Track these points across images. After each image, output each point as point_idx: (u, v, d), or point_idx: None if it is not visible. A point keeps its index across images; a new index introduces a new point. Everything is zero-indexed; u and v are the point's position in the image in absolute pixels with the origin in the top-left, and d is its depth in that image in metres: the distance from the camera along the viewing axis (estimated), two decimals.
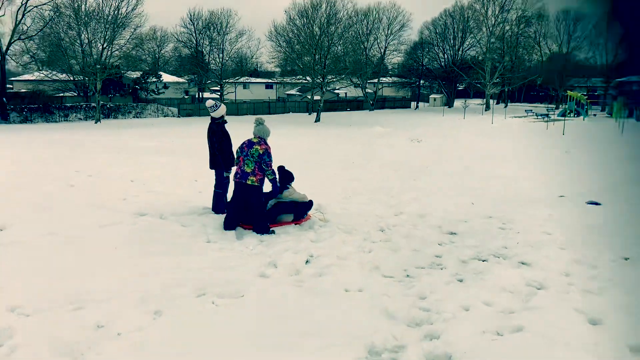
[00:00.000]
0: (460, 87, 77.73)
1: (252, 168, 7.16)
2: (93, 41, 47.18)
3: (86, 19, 46.68)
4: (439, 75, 70.04)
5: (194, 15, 57.13)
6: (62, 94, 55.48)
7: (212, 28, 55.68)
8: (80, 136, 31.77)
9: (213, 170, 8.39)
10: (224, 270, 5.74)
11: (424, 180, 13.29)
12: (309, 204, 7.98)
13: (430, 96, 75.32)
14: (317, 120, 50.54)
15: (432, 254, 6.76)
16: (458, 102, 71.09)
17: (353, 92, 74.03)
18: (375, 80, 72.91)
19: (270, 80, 69.69)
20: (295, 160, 17.23)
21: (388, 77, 76.98)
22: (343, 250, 6.74)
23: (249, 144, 7.20)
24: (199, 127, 41.53)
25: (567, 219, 8.65)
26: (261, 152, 7.10)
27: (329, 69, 49.50)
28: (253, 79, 72.57)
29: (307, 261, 6.23)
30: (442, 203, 10.26)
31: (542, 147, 23.35)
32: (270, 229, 7.39)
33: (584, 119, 45.44)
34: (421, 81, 72.31)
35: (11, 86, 63.70)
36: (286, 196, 7.87)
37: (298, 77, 54.75)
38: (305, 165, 15.17)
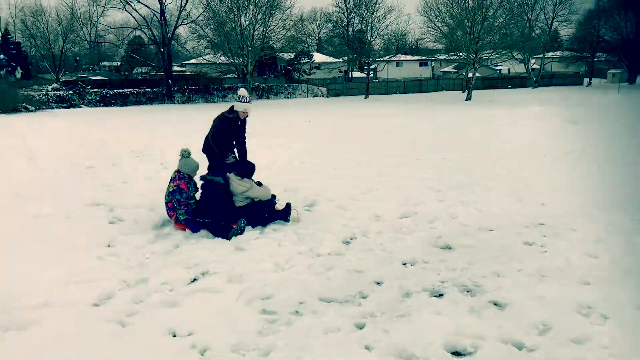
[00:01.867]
0: None
1: (167, 208, 6.44)
2: (250, 24, 48.93)
3: (245, 2, 48.62)
4: (619, 47, 60.73)
5: None
6: (223, 76, 58.93)
7: (363, 6, 54.59)
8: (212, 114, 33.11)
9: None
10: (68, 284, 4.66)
11: (518, 172, 10.99)
12: (268, 202, 6.81)
13: (609, 71, 65.98)
14: (468, 98, 47.25)
15: (376, 279, 5.07)
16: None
17: (518, 68, 68.00)
18: (548, 55, 66.10)
19: (423, 58, 66.84)
20: (400, 142, 16.58)
21: (556, 52, 69.18)
22: (255, 268, 5.25)
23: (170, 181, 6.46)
24: (336, 106, 41.38)
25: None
26: (170, 190, 6.35)
27: (483, 44, 45.65)
28: (406, 57, 70.38)
29: (194, 279, 4.90)
30: (498, 201, 8.23)
31: None
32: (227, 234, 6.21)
33: None
34: (596, 55, 63.52)
35: (184, 69, 69.63)
36: (240, 191, 6.65)
37: (450, 53, 51.46)
38: (410, 149, 13.55)
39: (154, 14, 49.92)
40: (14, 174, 10.43)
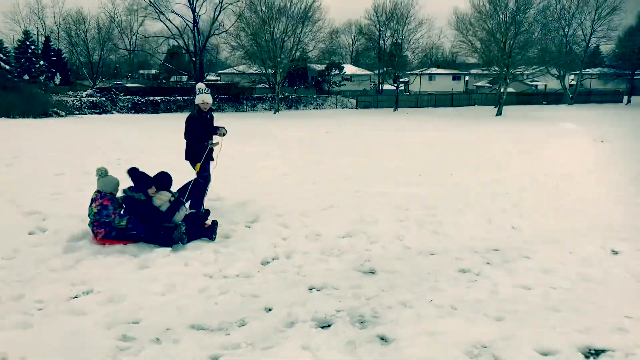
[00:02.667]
0: None
1: (92, 228, 6.25)
2: (281, 35, 49.26)
3: (277, 13, 49.05)
4: None
5: (378, 6, 56.43)
6: (255, 86, 59.40)
7: (395, 19, 54.30)
8: (244, 125, 33.40)
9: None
10: None
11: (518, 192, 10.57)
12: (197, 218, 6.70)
13: None
14: (499, 114, 46.23)
15: (269, 305, 4.78)
16: None
17: (554, 84, 66.17)
18: (585, 72, 64.18)
19: (456, 72, 65.81)
20: (409, 156, 16.34)
21: (594, 69, 67.00)
22: (143, 288, 4.94)
23: (91, 201, 6.30)
24: (361, 118, 41.09)
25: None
26: (96, 211, 6.16)
27: (515, 59, 44.61)
28: (438, 70, 69.50)
29: (75, 296, 4.71)
30: (463, 223, 7.81)
31: None
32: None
33: None
34: (637, 72, 61.11)
35: (218, 78, 70.55)
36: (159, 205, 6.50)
37: (484, 68, 50.52)
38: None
39: (187, 24, 50.84)
40: None
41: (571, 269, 6.16)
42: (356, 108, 55.86)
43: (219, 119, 28.28)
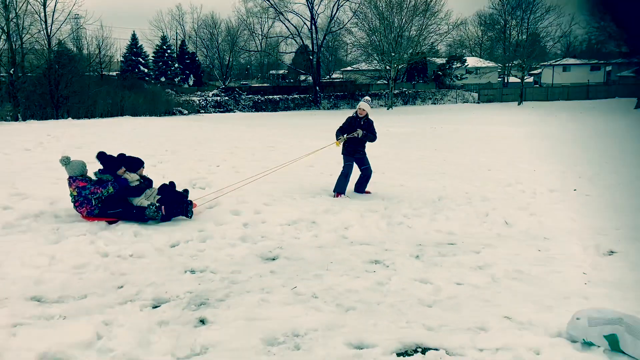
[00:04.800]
0: None
1: (75, 207, 6.75)
2: (400, 28, 48.67)
3: (393, 9, 48.59)
4: None
5: None
6: (373, 83, 59.27)
7: (523, 6, 50.92)
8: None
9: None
10: None
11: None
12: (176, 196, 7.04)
13: None
14: (638, 106, 41.31)
15: (120, 283, 4.80)
16: None
17: None
18: None
19: (595, 62, 59.80)
20: (487, 153, 15.13)
21: None
22: (27, 263, 5.19)
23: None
24: (477, 113, 39.20)
25: None
26: (75, 194, 6.59)
27: None
28: (573, 61, 63.76)
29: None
30: (449, 218, 7.37)
31: None
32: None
33: None
34: None
35: (341, 76, 71.48)
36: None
37: (616, 56, 45.47)
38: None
39: (305, 23, 52.16)
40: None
41: (511, 266, 5.44)
42: (478, 102, 53.39)
43: (334, 116, 28.91)
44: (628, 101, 48.00)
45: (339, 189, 8.67)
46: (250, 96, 51.63)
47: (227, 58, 62.91)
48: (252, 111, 50.08)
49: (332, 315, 4.19)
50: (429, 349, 3.67)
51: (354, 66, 63.53)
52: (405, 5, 48.12)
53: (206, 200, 7.66)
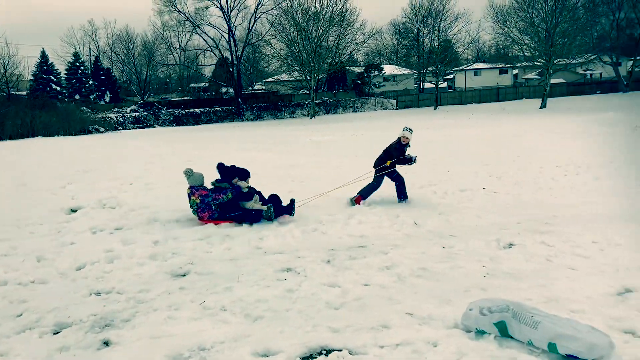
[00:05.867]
0: None
1: (197, 213, 7.46)
2: (317, 39, 49.30)
3: (313, 17, 49.13)
4: None
5: (414, 3, 55.23)
6: (296, 93, 59.67)
7: (433, 15, 53.02)
8: (269, 130, 33.71)
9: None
10: None
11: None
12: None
13: None
14: (543, 106, 44.11)
15: None
16: None
17: (611, 72, 62.35)
18: (634, 57, 60.15)
19: (502, 65, 63.26)
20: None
21: None
22: None
23: (188, 196, 7.51)
24: (395, 119, 40.33)
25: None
26: (198, 201, 7.37)
27: (557, 48, 42.36)
28: (483, 65, 67.16)
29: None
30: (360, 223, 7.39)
31: None
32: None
33: None
34: None
35: (263, 87, 71.51)
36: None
37: (530, 59, 48.25)
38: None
39: (222, 35, 51.87)
40: None
41: (417, 264, 5.64)
42: (396, 109, 54.96)
43: (257, 127, 28.90)
44: (534, 101, 51.04)
45: (364, 195, 9.21)
46: (170, 110, 50.67)
47: (145, 73, 61.44)
48: (173, 125, 49.12)
49: (240, 326, 4.20)
50: (333, 350, 3.76)
51: (275, 77, 63.85)
52: (321, 16, 48.93)
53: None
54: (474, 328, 3.89)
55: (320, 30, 49.08)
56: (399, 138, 9.45)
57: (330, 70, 52.49)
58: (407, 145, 9.57)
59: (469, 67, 62.55)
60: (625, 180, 11.34)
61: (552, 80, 51.18)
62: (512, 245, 6.47)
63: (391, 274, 5.40)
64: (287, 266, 5.69)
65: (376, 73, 59.29)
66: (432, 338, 3.84)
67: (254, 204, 7.63)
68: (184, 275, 5.55)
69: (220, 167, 7.75)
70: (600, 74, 66.02)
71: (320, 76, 52.94)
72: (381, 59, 66.11)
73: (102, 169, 14.14)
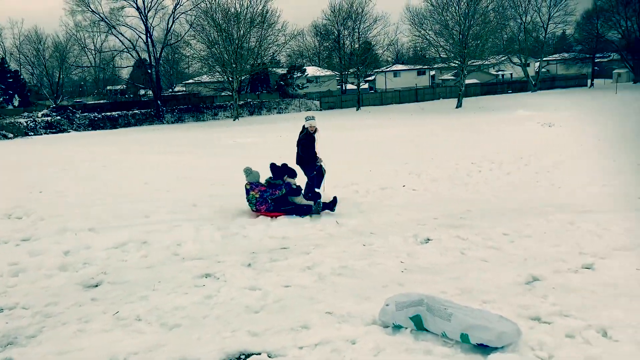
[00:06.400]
0: None
1: (255, 207, 8.22)
2: (239, 40, 48.74)
3: (234, 18, 48.48)
4: (621, 46, 58.20)
5: (334, 5, 55.91)
6: (218, 94, 58.73)
7: (353, 17, 53.81)
8: (191, 133, 32.93)
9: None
10: None
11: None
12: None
13: (614, 71, 63.24)
14: (459, 106, 45.91)
15: None
16: None
17: (521, 72, 66.00)
18: (547, 58, 64.18)
19: (420, 67, 65.35)
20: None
21: (559, 55, 66.85)
22: None
23: (246, 191, 8.31)
24: (325, 119, 40.62)
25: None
26: (258, 196, 8.18)
27: (470, 50, 44.20)
28: (402, 67, 69.11)
29: None
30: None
31: None
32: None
33: None
34: (600, 55, 60.92)
35: (184, 89, 69.92)
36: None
37: (446, 60, 50.01)
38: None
39: (140, 36, 50.26)
40: None
41: (337, 263, 5.68)
42: (320, 109, 55.33)
43: (178, 130, 28.17)
44: (450, 101, 53.02)
45: (314, 194, 9.25)
46: (86, 114, 48.43)
47: (58, 75, 58.39)
48: (89, 130, 46.95)
49: (155, 335, 4.06)
50: (252, 354, 3.71)
51: (196, 79, 62.63)
52: (242, 17, 48.47)
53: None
54: (391, 323, 3.96)
55: (242, 31, 48.62)
56: (306, 129, 9.38)
57: (252, 71, 52.11)
58: (315, 131, 9.51)
59: (388, 69, 64.04)
60: (533, 175, 12.00)
61: (467, 81, 53.42)
62: (428, 240, 6.66)
63: (312, 273, 5.41)
64: (206, 272, 5.57)
65: (299, 74, 59.43)
66: (351, 335, 3.87)
67: (302, 199, 8.46)
68: (96, 285, 5.29)
69: (273, 166, 8.55)
70: (511, 74, 69.61)
71: (242, 77, 52.46)
72: (304, 61, 66.33)
73: (9, 177, 13.29)
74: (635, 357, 3.39)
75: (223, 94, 58.35)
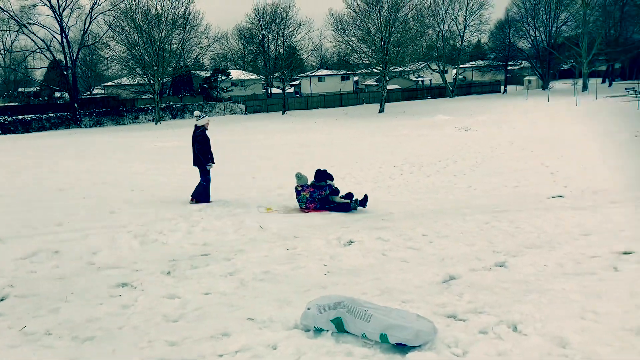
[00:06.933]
0: (566, 67, 68.27)
1: (305, 205, 9.24)
2: (160, 42, 47.47)
3: (152, 23, 47.16)
4: (530, 55, 62.01)
5: (258, 9, 55.77)
6: (139, 97, 56.93)
7: (277, 21, 53.90)
8: (110, 137, 31.69)
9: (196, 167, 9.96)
10: None
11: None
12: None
13: (525, 78, 67.22)
14: (381, 111, 47.02)
15: None
16: (561, 84, 62.97)
17: (440, 79, 68.61)
18: (464, 65, 67.07)
19: (344, 72, 66.44)
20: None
21: (476, 62, 70.20)
22: None
23: (297, 192, 9.40)
24: (240, 125, 40.35)
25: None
26: (308, 196, 9.25)
27: (391, 57, 45.38)
28: (327, 72, 69.97)
29: None
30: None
31: (602, 132, 19.92)
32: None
33: None
34: (509, 63, 64.58)
35: (103, 91, 67.23)
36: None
37: (369, 66, 51.03)
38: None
39: (54, 36, 47.88)
40: None
41: (260, 268, 5.62)
42: (245, 113, 54.93)
43: (97, 134, 27.02)
44: (374, 106, 54.21)
45: (203, 196, 9.68)
46: None
47: None
48: None
49: (66, 350, 3.84)
50: None
51: (116, 81, 60.51)
52: (163, 19, 47.31)
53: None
54: (312, 327, 3.96)
55: (163, 33, 47.48)
56: (201, 126, 9.75)
57: (175, 74, 50.99)
58: (206, 128, 9.93)
59: (313, 74, 64.65)
60: (452, 177, 12.46)
61: (389, 87, 54.77)
62: (351, 242, 6.74)
63: (234, 280, 5.33)
64: (122, 281, 5.35)
65: (224, 77, 58.70)
66: (272, 341, 3.84)
67: (340, 199, 9.43)
68: (2, 299, 4.95)
69: (318, 171, 9.62)
70: (430, 80, 72.16)
71: (164, 80, 51.23)
72: (228, 64, 65.67)
73: None
74: (542, 350, 3.57)
75: (144, 96, 56.63)
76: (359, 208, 9.26)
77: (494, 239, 6.74)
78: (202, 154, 9.71)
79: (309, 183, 9.54)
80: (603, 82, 63.32)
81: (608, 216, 7.71)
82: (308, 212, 9.08)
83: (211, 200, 9.80)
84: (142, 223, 7.77)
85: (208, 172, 9.81)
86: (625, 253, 5.82)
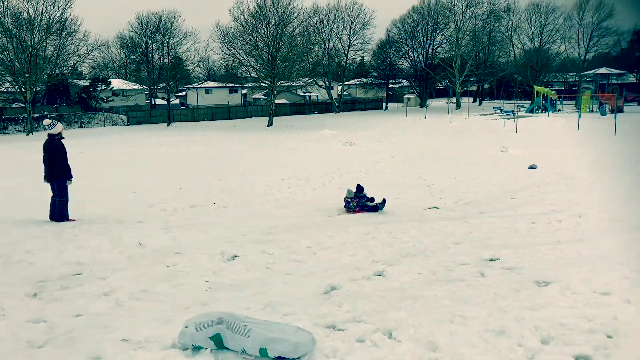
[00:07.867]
0: (441, 86, 73.18)
1: (353, 210, 10.35)
2: (33, 47, 44.21)
3: (23, 27, 43.84)
4: (410, 74, 65.91)
5: (142, 18, 53.83)
6: (7, 106, 52.51)
7: (162, 31, 52.36)
8: None
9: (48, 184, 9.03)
10: None
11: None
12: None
13: (405, 96, 71.15)
14: (270, 124, 47.18)
15: None
16: (437, 102, 67.20)
17: (326, 95, 70.45)
18: (349, 82, 69.39)
19: (231, 85, 66.10)
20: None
21: (360, 79, 73.12)
22: None
23: (347, 202, 10.51)
24: (117, 137, 38.62)
25: None
26: (354, 204, 10.39)
27: (279, 71, 45.82)
28: (214, 84, 69.23)
29: None
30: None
31: (473, 147, 21.80)
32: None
33: (548, 115, 41.43)
34: (390, 81, 68.13)
35: None
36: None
37: (256, 80, 51.12)
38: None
39: None
40: None
41: (137, 287, 5.37)
42: (128, 124, 52.60)
43: None
44: (262, 120, 54.35)
45: (65, 214, 8.88)
46: None
47: None
48: None
49: None
50: None
51: None
52: (37, 24, 44.22)
53: None
54: (190, 345, 3.86)
55: (36, 39, 44.41)
56: (54, 135, 8.94)
57: (49, 82, 47.76)
58: (63, 137, 9.14)
59: (200, 85, 63.47)
60: (337, 190, 12.77)
61: (277, 101, 55.19)
62: (235, 257, 6.67)
63: (109, 300, 5.05)
64: None
65: (104, 87, 55.87)
66: None
67: (371, 203, 10.57)
68: None
69: (359, 186, 10.70)
70: (317, 96, 73.75)
71: (38, 88, 47.77)
72: (109, 73, 62.70)
73: None
74: (414, 354, 3.75)
75: (14, 105, 52.35)
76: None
77: (373, 248, 7.00)
78: (61, 166, 8.79)
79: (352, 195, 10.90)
80: (474, 101, 68.58)
81: (477, 226, 8.31)
82: (354, 213, 10.57)
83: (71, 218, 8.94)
84: (6, 243, 7.14)
85: (66, 187, 8.89)
86: (492, 260, 6.30)
